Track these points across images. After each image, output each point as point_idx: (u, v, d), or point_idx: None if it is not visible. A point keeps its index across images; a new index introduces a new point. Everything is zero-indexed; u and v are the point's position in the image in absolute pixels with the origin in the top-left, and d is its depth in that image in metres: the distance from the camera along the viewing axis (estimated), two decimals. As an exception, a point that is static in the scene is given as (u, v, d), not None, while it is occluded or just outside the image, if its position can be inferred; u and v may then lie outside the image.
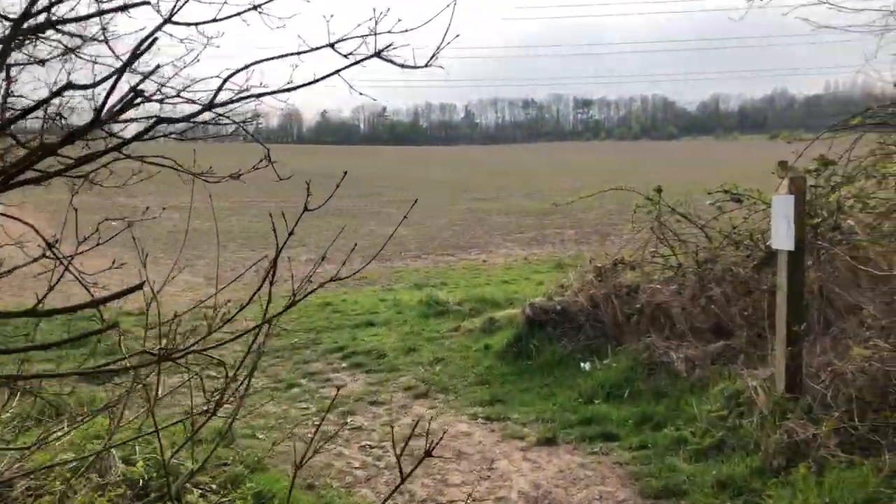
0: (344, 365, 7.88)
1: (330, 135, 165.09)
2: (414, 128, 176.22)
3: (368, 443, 5.73)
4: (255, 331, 2.31)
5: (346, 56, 2.79)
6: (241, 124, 2.81)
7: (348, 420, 6.22)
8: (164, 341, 2.15)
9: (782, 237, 5.20)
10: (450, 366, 7.69)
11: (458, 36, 2.83)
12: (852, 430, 4.36)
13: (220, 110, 2.64)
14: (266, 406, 6.54)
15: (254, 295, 2.17)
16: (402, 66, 2.89)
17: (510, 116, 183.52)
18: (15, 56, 3.25)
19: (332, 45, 2.81)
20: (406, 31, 2.88)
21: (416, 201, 2.93)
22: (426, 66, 2.89)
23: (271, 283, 2.26)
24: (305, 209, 2.20)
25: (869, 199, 6.03)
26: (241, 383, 2.35)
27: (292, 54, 2.88)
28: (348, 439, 5.83)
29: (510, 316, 8.66)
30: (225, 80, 2.63)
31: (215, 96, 2.60)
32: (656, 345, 6.88)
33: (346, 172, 2.34)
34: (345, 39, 2.81)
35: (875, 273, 5.25)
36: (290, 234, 2.18)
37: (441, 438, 5.75)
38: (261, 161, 3.22)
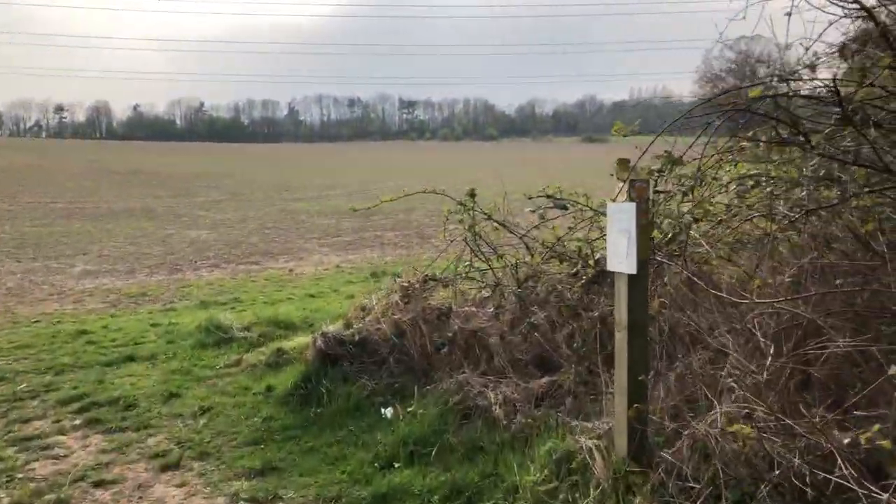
0: (77, 422, 6.03)
1: (143, 130, 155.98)
2: (235, 124, 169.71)
3: (71, 557, 4.03)
4: None
5: None
6: None
7: (53, 517, 4.46)
8: None
9: (621, 257, 4.07)
10: (219, 417, 6.06)
11: None
12: (720, 519, 3.26)
13: None
14: (-64, 500, 4.65)
15: None
16: None
17: (336, 115, 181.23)
18: None
19: None
20: None
21: None
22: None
23: None
24: None
25: (711, 205, 5.08)
26: None
27: None
28: (45, 550, 4.09)
29: (303, 346, 7.16)
30: None
31: None
32: (471, 383, 5.63)
33: None
34: None
35: (731, 299, 4.23)
36: None
37: (175, 546, 4.16)
38: None
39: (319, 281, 13.31)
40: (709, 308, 4.97)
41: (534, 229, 6.46)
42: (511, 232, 6.56)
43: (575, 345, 5.34)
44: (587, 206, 5.76)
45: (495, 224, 6.66)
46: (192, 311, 10.23)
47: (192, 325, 8.92)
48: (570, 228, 5.97)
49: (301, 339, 7.49)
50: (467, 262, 6.81)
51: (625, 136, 4.52)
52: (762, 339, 4.28)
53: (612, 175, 4.17)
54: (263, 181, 47.54)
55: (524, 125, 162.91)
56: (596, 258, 5.51)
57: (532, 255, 6.20)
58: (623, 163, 4.02)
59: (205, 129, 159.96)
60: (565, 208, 5.67)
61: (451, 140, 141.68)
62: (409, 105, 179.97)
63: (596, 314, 5.27)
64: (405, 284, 6.65)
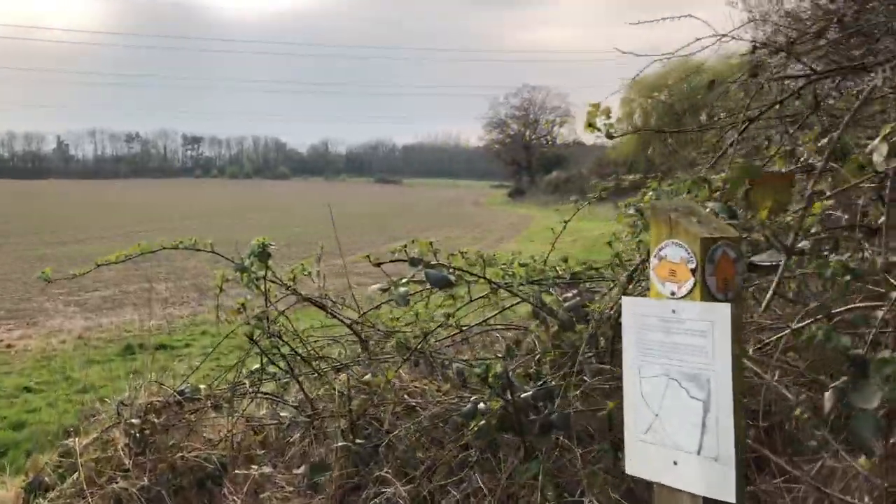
0: None
1: None
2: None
3: None
4: None
5: None
6: None
7: None
8: None
9: (679, 445, 1.49)
10: None
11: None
12: None
13: None
14: None
15: None
16: None
17: (112, 150, 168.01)
18: None
19: None
20: None
21: None
22: None
23: None
24: None
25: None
26: None
27: None
28: None
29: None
30: None
31: None
32: None
33: None
34: None
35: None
36: None
37: None
38: None
39: (48, 361, 9.62)
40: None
41: (375, 310, 3.76)
42: (334, 316, 3.79)
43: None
44: (483, 277, 3.14)
45: (304, 301, 3.88)
46: None
47: None
48: (446, 315, 3.31)
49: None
50: (256, 369, 3.96)
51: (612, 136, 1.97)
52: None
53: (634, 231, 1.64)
54: (19, 222, 40.80)
55: (317, 164, 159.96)
56: (507, 380, 2.87)
57: (372, 363, 3.46)
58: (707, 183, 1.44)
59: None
60: (449, 284, 3.00)
61: (240, 178, 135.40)
62: (194, 141, 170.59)
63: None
64: (134, 421, 3.62)
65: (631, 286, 2.58)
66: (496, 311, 3.73)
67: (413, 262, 2.94)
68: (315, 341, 3.92)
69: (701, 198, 1.89)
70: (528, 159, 70.30)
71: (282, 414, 3.88)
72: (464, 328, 3.73)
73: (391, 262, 3.03)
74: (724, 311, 1.42)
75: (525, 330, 3.81)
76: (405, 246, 2.99)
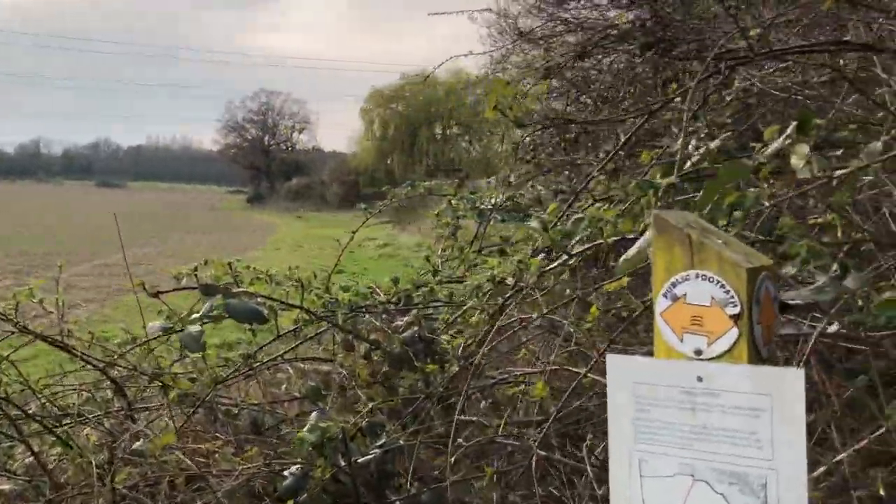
0: None
1: None
2: None
3: None
4: None
5: None
6: None
7: None
8: None
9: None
10: None
11: None
12: None
13: None
14: None
15: None
16: None
17: None
18: None
19: None
20: None
21: None
22: None
23: None
24: None
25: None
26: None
27: None
28: None
29: None
30: None
31: None
32: None
33: None
34: None
35: None
36: None
37: None
38: None
39: None
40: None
41: (135, 350, 2.90)
42: (81, 359, 2.88)
43: None
44: (301, 307, 2.45)
45: (31, 336, 2.91)
46: None
47: None
48: (244, 357, 2.57)
49: None
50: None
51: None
52: None
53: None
54: None
55: (28, 165, 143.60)
56: (343, 443, 2.23)
57: (144, 433, 2.62)
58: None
59: None
60: (261, 318, 2.27)
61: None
62: None
63: None
64: None
65: (501, 316, 2.08)
66: (296, 343, 3.07)
67: (207, 291, 2.19)
68: (55, 392, 2.97)
69: (644, 205, 1.44)
70: (267, 165, 68.45)
71: (4, 488, 2.89)
72: (255, 365, 3.02)
73: (176, 290, 2.25)
74: (792, 378, 0.95)
75: (328, 362, 3.20)
76: (195, 269, 2.23)
